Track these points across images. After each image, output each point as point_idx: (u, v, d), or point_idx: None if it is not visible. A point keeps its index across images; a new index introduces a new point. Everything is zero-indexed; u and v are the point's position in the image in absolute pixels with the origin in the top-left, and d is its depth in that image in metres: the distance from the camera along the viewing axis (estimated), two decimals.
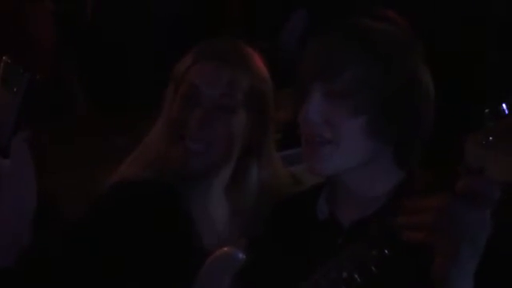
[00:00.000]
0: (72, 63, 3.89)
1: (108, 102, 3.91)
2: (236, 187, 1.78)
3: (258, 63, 1.79)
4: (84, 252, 1.74)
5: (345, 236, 1.52)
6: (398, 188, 1.52)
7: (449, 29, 3.44)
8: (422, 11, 3.38)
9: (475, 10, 3.45)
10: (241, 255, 1.58)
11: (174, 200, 1.78)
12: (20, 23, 3.84)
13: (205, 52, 1.77)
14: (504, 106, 1.22)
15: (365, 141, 1.47)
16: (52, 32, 3.88)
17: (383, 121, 1.46)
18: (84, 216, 1.82)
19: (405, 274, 1.42)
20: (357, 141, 1.48)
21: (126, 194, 1.77)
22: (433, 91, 1.53)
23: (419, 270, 1.34)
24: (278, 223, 1.66)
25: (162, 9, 4.64)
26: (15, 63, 1.57)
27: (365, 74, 1.45)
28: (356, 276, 1.40)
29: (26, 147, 1.67)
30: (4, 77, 1.60)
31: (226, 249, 1.57)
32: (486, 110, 1.22)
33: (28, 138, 1.63)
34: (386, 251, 1.38)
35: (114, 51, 4.28)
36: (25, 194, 1.69)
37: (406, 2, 2.30)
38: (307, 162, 1.51)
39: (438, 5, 3.52)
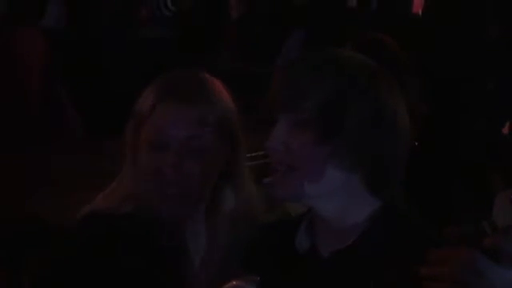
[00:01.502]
0: (64, 86, 3.86)
1: (101, 126, 3.88)
2: (212, 213, 1.72)
3: (222, 92, 1.71)
4: None
5: (325, 267, 1.49)
6: (375, 217, 1.49)
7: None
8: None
9: None
10: None
11: (151, 232, 1.72)
12: (9, 47, 3.81)
13: (167, 90, 1.67)
14: None
15: (330, 169, 1.45)
16: (43, 55, 3.85)
17: (346, 149, 1.44)
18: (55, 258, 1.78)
19: None
20: (321, 169, 1.45)
21: (102, 227, 1.71)
22: (405, 122, 1.51)
23: None
24: (259, 254, 1.64)
25: (158, 33, 4.66)
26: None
27: (326, 103, 1.44)
28: None
29: None
30: None
31: (235, 283, 1.53)
32: None
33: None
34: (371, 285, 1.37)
35: (106, 73, 4.27)
36: None
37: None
38: (270, 188, 1.48)
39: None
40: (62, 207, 2.47)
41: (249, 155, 2.97)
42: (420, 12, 4.40)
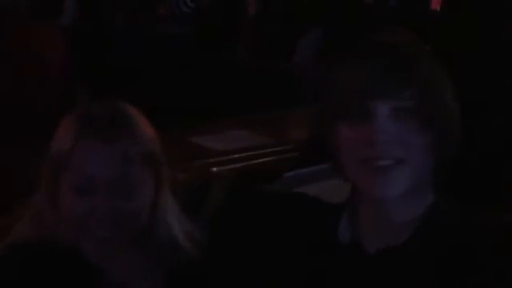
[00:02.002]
0: (82, 84, 3.88)
1: None
2: (142, 238, 1.61)
3: (143, 124, 1.59)
4: None
5: (370, 264, 1.44)
6: (429, 213, 1.44)
7: None
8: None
9: None
10: None
11: (76, 260, 1.61)
12: (31, 45, 3.83)
13: (86, 128, 1.53)
14: None
15: (429, 160, 1.41)
16: (62, 52, 3.87)
17: (447, 137, 1.41)
18: None
19: None
20: (423, 160, 1.40)
21: (22, 257, 1.58)
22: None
23: None
24: (292, 235, 1.59)
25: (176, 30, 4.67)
26: None
27: (426, 89, 1.39)
28: None
29: None
30: None
31: None
32: None
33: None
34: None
35: (123, 70, 4.28)
36: None
37: None
38: (371, 187, 1.40)
39: None
40: None
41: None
42: (438, 8, 4.38)
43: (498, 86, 3.36)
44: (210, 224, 1.66)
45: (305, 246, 1.53)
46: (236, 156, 2.90)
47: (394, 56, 1.40)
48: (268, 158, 2.93)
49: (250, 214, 1.71)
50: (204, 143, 3.06)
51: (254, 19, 4.91)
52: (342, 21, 4.09)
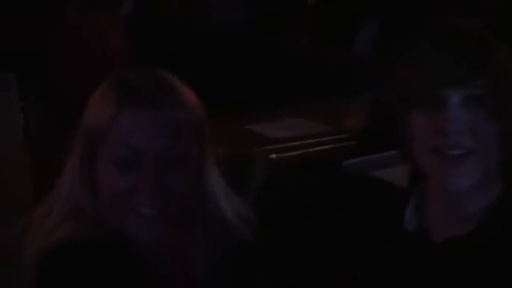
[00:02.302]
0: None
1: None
2: (190, 217, 1.48)
3: (187, 91, 1.45)
4: None
5: (437, 253, 1.43)
6: (497, 204, 1.43)
7: None
8: None
9: None
10: None
11: (123, 250, 1.46)
12: (94, 36, 3.90)
13: (129, 95, 1.39)
14: None
15: (498, 150, 1.39)
16: (124, 41, 3.93)
17: (510, 128, 1.39)
18: None
19: None
20: (493, 150, 1.39)
21: (75, 257, 1.44)
22: None
23: None
24: (358, 225, 1.57)
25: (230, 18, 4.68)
26: None
27: (496, 79, 1.38)
28: None
29: None
30: None
31: None
32: None
33: None
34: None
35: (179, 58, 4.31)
36: None
37: None
38: (442, 177, 1.40)
39: None
40: None
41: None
42: None
43: None
44: (257, 204, 1.55)
45: (370, 234, 1.52)
46: (294, 143, 2.90)
47: (467, 43, 1.39)
48: (326, 146, 2.93)
49: (304, 197, 1.68)
50: (262, 131, 3.08)
51: (313, 8, 4.89)
52: (397, 13, 4.06)
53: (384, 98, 1.53)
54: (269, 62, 4.39)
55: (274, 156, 2.71)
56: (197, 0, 4.84)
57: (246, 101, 3.88)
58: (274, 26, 4.68)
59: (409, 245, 1.46)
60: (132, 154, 1.38)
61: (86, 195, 1.43)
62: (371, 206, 1.59)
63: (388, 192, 1.63)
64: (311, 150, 2.87)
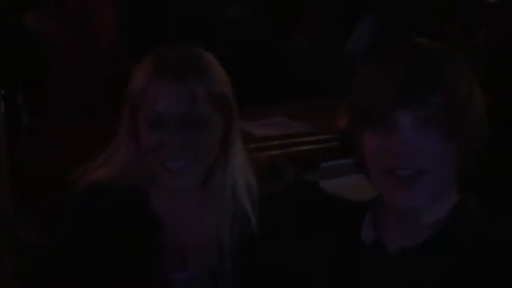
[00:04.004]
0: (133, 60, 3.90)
1: None
2: (207, 184, 1.75)
3: (213, 65, 1.73)
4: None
5: (394, 264, 1.44)
6: (452, 213, 1.44)
7: None
8: None
9: None
10: None
11: (141, 207, 1.77)
12: (85, 19, 3.89)
13: (157, 69, 1.69)
14: None
15: (451, 168, 1.40)
16: (115, 26, 3.92)
17: (469, 147, 1.40)
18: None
19: None
20: (445, 171, 1.39)
21: (101, 200, 1.76)
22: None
23: None
24: (315, 239, 1.61)
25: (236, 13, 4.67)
26: None
27: (447, 100, 1.36)
28: None
29: None
30: None
31: None
32: None
33: None
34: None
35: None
36: None
37: None
38: (394, 198, 1.40)
39: None
40: None
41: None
42: None
43: None
44: (268, 200, 1.75)
45: (329, 250, 1.55)
46: (274, 143, 2.90)
47: (419, 64, 1.38)
48: (305, 147, 2.92)
49: (304, 206, 1.77)
50: (248, 129, 3.03)
51: (313, 5, 4.86)
52: (395, 10, 4.03)
53: (348, 107, 1.51)
54: (265, 58, 4.37)
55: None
56: None
57: (236, 98, 3.84)
58: (273, 23, 4.65)
59: (367, 257, 1.47)
60: (158, 117, 1.67)
61: (130, 150, 1.73)
62: (330, 221, 1.60)
63: (345, 206, 1.65)
64: (290, 150, 2.86)
